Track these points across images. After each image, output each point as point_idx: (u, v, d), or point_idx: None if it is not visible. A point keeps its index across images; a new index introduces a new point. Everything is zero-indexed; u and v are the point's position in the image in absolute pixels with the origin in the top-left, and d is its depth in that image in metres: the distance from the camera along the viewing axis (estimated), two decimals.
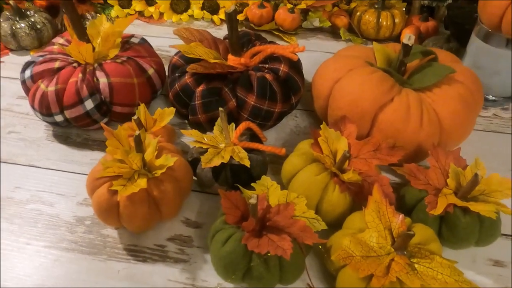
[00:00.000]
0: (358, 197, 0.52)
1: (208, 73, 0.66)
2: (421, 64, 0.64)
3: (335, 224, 0.52)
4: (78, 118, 0.66)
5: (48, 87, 0.65)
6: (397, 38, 0.96)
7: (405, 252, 0.44)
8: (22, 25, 0.89)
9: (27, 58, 0.81)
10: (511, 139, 0.70)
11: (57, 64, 0.68)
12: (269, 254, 0.43)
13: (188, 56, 0.66)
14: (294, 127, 0.73)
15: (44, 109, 0.65)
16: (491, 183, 0.51)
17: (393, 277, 0.42)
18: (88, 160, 0.67)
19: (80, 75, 0.65)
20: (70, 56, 0.69)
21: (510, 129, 0.72)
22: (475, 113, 0.62)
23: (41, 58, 0.69)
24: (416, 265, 0.43)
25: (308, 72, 0.75)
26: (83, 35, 0.67)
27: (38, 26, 0.90)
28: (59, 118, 0.66)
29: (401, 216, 0.46)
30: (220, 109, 0.56)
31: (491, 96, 0.75)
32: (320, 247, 0.49)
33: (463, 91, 0.60)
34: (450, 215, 0.49)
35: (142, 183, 0.50)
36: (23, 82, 0.69)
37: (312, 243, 0.45)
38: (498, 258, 0.53)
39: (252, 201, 0.44)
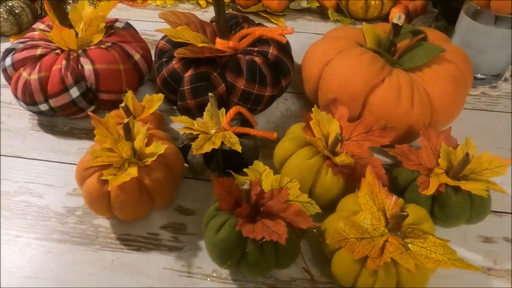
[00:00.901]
0: (351, 179, 0.52)
1: (196, 58, 0.64)
2: (411, 44, 0.63)
3: (328, 207, 0.52)
4: (63, 107, 0.64)
5: (31, 75, 0.63)
6: (385, 18, 0.95)
7: (398, 233, 0.44)
8: (0, 10, 0.85)
9: (7, 44, 0.78)
10: (511, 117, 0.71)
11: (39, 51, 0.65)
12: (264, 240, 0.43)
13: (175, 40, 0.65)
14: (285, 111, 0.73)
15: (28, 98, 0.63)
16: (481, 162, 0.52)
17: (387, 257, 0.42)
18: (76, 149, 0.65)
19: (64, 62, 0.63)
20: (52, 43, 0.66)
21: (498, 107, 0.73)
22: (465, 92, 0.62)
23: (22, 45, 0.67)
24: (410, 245, 0.43)
25: (297, 54, 0.73)
26: (65, 20, 0.65)
27: (17, 11, 0.87)
28: (43, 107, 0.64)
29: (394, 197, 0.47)
30: (210, 94, 0.55)
31: (479, 74, 0.75)
32: (314, 230, 0.49)
33: (453, 70, 0.60)
34: (442, 195, 0.50)
35: (133, 171, 0.49)
36: (4, 70, 0.67)
37: (306, 227, 0.45)
38: (488, 234, 0.54)
39: (245, 186, 0.44)
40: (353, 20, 0.95)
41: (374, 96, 0.58)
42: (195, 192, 0.59)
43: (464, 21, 0.72)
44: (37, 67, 0.63)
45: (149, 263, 0.51)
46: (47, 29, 0.70)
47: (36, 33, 0.69)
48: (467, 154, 0.48)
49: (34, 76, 0.62)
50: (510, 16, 0.66)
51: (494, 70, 0.75)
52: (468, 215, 0.50)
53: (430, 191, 0.49)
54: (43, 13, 0.93)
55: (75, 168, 0.53)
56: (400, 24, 0.58)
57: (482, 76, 0.75)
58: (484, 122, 0.70)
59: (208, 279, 0.50)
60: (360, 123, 0.55)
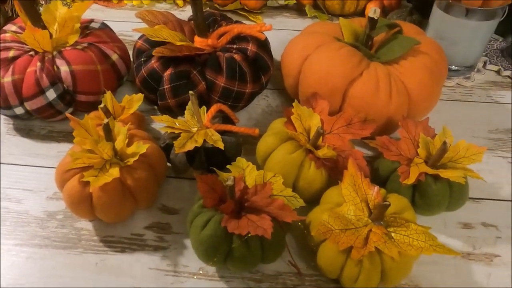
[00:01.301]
0: (334, 172, 0.53)
1: (175, 56, 0.64)
2: (387, 37, 0.64)
3: (312, 201, 0.52)
4: (40, 110, 0.62)
5: (4, 78, 0.61)
6: (361, 13, 0.96)
7: (381, 222, 0.45)
8: None
9: None
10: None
11: (11, 53, 0.64)
12: (249, 235, 0.43)
13: (153, 39, 0.64)
14: (266, 107, 0.73)
15: (2, 102, 0.62)
16: (458, 150, 0.53)
17: (371, 247, 0.43)
18: (55, 152, 0.64)
19: (39, 63, 0.62)
20: (26, 44, 0.65)
21: (472, 97, 0.75)
22: (440, 83, 0.64)
23: None
24: (393, 234, 0.44)
25: (276, 51, 0.74)
26: (37, 21, 0.64)
27: None
28: (19, 110, 0.63)
29: (376, 187, 0.47)
30: (191, 92, 0.54)
31: (453, 66, 0.77)
32: (299, 224, 0.49)
33: (428, 62, 0.61)
34: (422, 183, 0.51)
35: (114, 172, 0.49)
36: None
37: (291, 220, 0.45)
38: (466, 221, 0.56)
39: (229, 182, 0.44)
40: (330, 16, 0.96)
41: (353, 89, 0.59)
42: (178, 191, 0.59)
43: (437, 14, 0.74)
44: (10, 69, 0.62)
45: (134, 264, 0.51)
46: (19, 30, 0.68)
47: (7, 35, 0.67)
48: (444, 143, 0.49)
49: (8, 79, 0.61)
50: (480, 8, 0.68)
51: (467, 62, 0.77)
52: (447, 203, 0.52)
53: (411, 180, 0.50)
54: (14, 15, 0.91)
55: (54, 171, 0.52)
56: (376, 18, 0.59)
57: (456, 67, 0.77)
58: (460, 112, 0.72)
59: (195, 277, 0.49)
60: (341, 116, 0.56)
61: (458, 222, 0.56)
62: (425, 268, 0.50)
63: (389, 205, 0.43)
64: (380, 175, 0.55)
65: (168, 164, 0.57)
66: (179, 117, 0.60)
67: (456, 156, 0.53)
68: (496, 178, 0.61)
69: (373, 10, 0.59)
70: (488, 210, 0.57)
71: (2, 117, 0.69)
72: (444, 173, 0.50)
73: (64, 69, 0.62)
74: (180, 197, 0.58)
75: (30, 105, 0.62)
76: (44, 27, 0.64)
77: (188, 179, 0.60)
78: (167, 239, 0.53)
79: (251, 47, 0.67)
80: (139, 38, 0.71)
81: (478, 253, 0.52)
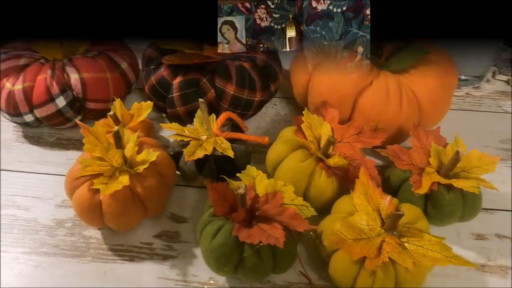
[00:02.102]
0: (345, 181, 0.52)
1: (185, 64, 0.64)
2: (397, 46, 0.64)
3: (323, 210, 0.51)
4: (49, 117, 0.62)
5: (15, 86, 0.61)
6: None
7: (394, 232, 0.45)
8: None
9: None
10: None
11: (22, 61, 0.64)
12: (261, 244, 0.43)
13: (162, 47, 0.64)
14: (274, 115, 0.73)
15: (12, 109, 0.62)
16: (470, 159, 0.52)
17: (385, 257, 0.42)
18: (63, 160, 0.64)
19: (49, 71, 0.62)
20: (36, 52, 0.65)
21: (482, 107, 0.75)
22: (450, 92, 0.63)
23: (4, 55, 0.65)
24: (406, 244, 0.44)
25: (284, 60, 0.74)
26: None
27: None
28: (29, 118, 0.63)
29: (389, 197, 0.47)
30: (200, 100, 0.54)
31: (463, 76, 0.77)
32: (311, 233, 0.48)
33: (438, 71, 0.61)
34: (435, 193, 0.50)
35: (124, 180, 0.48)
36: None
37: (303, 230, 0.44)
38: (480, 232, 0.55)
39: (241, 191, 0.43)
40: None
41: (363, 98, 0.59)
42: (187, 199, 0.58)
43: None
44: (21, 77, 0.62)
45: (143, 273, 0.50)
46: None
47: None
48: (457, 152, 0.49)
49: (18, 87, 0.61)
50: None
51: (476, 72, 0.77)
52: (461, 213, 0.51)
53: (423, 190, 0.49)
54: None
55: (63, 179, 0.52)
56: None
57: (466, 77, 0.77)
58: (470, 121, 0.71)
59: (205, 287, 0.49)
60: (351, 125, 0.56)
61: (472, 233, 0.55)
62: (438, 280, 0.49)
63: (403, 214, 0.43)
64: (391, 185, 0.54)
65: (177, 172, 0.57)
66: (188, 125, 0.60)
67: (469, 166, 0.52)
68: (509, 189, 0.60)
69: None
70: (502, 221, 0.56)
71: (12, 124, 0.69)
72: (457, 183, 0.49)
73: (74, 76, 0.62)
74: (189, 205, 0.58)
75: (40, 113, 0.62)
76: None
77: (197, 187, 0.60)
78: (176, 248, 0.53)
79: (260, 56, 0.67)
80: (149, 46, 0.71)
81: (493, 265, 0.51)
